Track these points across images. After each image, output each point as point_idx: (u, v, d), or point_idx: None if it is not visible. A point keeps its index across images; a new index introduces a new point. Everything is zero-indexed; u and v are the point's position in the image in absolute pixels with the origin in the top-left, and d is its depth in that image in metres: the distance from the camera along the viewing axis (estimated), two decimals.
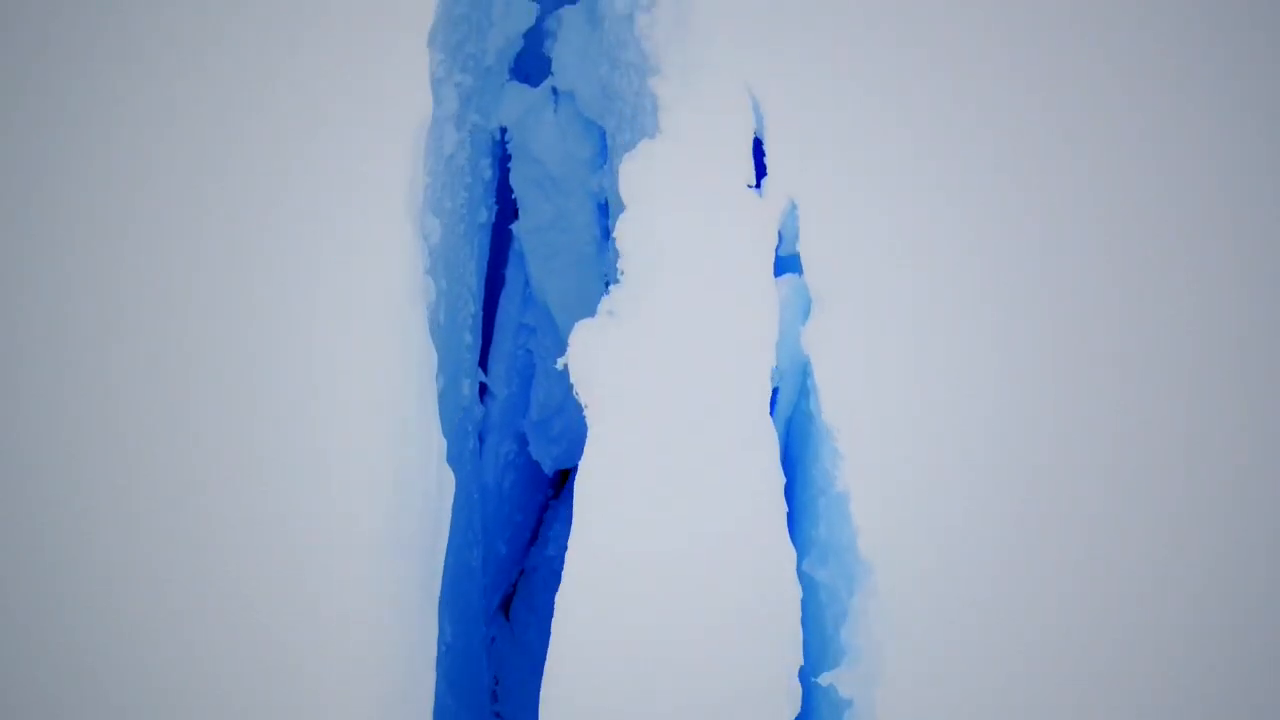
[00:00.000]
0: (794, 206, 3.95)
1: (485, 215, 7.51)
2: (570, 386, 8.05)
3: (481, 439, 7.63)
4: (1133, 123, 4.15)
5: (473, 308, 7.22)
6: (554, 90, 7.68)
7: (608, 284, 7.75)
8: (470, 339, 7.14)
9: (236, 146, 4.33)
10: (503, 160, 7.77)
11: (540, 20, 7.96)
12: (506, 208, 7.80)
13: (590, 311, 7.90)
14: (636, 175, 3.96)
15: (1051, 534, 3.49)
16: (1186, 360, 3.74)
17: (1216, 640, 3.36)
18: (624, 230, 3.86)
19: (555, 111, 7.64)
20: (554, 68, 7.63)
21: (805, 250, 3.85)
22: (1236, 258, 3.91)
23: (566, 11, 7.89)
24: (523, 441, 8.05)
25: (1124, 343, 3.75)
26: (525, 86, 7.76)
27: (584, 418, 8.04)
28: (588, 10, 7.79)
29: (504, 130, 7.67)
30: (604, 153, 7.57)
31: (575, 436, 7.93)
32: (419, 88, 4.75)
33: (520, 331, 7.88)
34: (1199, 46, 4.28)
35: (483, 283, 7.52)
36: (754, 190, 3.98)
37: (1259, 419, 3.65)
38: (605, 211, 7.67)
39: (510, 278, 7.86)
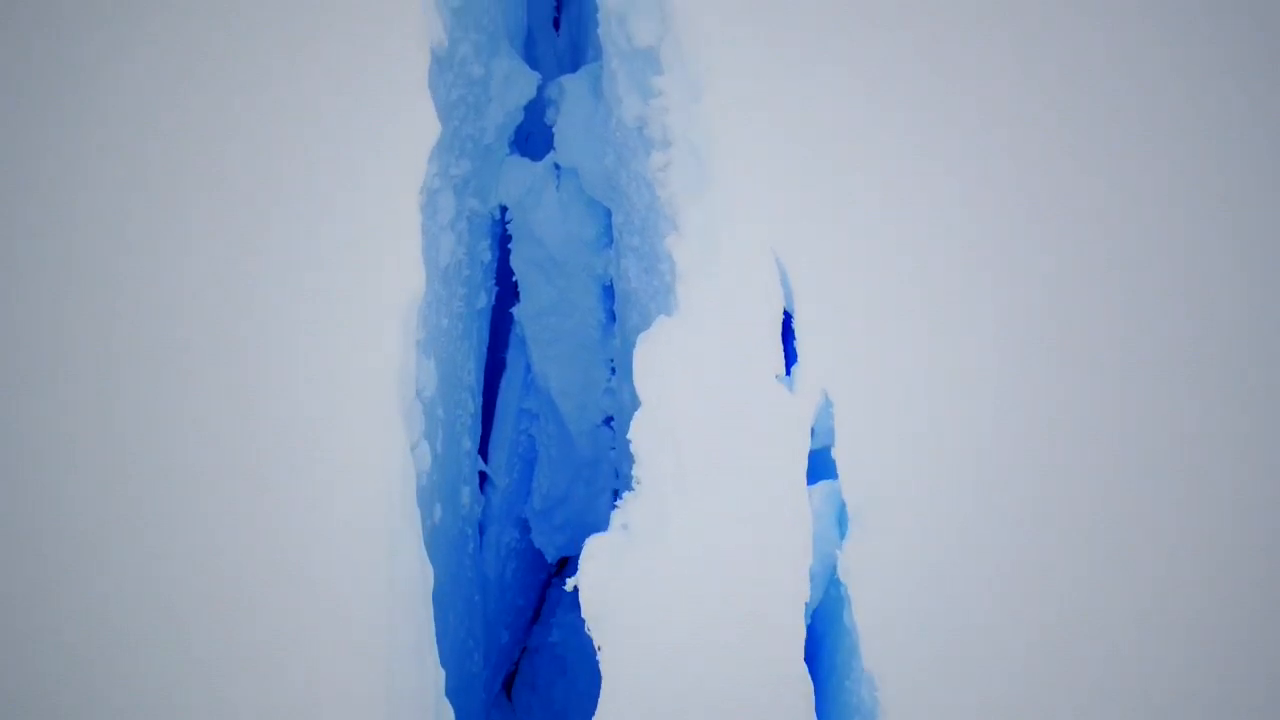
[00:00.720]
0: (828, 403, 3.61)
1: (484, 300, 7.16)
2: (574, 475, 7.76)
3: (481, 530, 7.31)
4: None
5: (471, 407, 6.88)
6: (556, 166, 7.30)
7: (613, 371, 7.41)
8: (469, 444, 6.80)
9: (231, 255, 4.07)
10: (502, 240, 7.40)
11: (541, 87, 7.57)
12: (507, 288, 7.45)
13: (594, 399, 7.60)
14: (654, 365, 3.61)
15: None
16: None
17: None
18: (640, 432, 3.52)
19: (558, 189, 7.27)
20: (556, 142, 7.25)
21: (841, 451, 3.52)
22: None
23: (568, 81, 7.50)
24: (524, 528, 7.72)
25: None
26: (526, 161, 7.39)
27: (588, 506, 7.76)
28: (591, 80, 7.41)
29: (504, 209, 7.31)
30: (609, 233, 7.21)
31: (580, 525, 7.61)
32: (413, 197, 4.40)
33: (521, 417, 7.55)
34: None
35: (482, 371, 7.17)
36: (784, 382, 3.63)
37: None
38: (610, 294, 7.31)
39: (511, 362, 7.52)
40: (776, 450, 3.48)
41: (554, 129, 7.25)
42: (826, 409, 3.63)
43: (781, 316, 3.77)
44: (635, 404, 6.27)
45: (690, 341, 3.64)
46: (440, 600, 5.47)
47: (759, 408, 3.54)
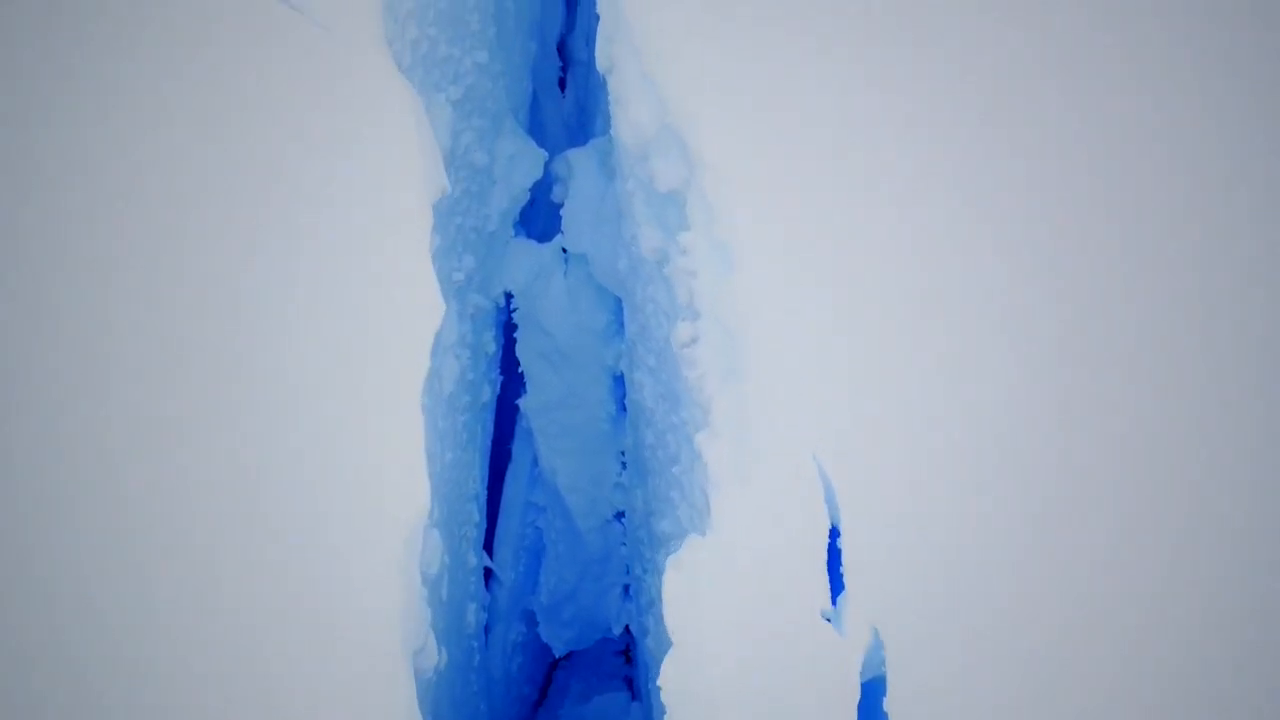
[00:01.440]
0: (879, 643, 3.29)
1: (489, 393, 6.82)
2: (582, 571, 7.43)
3: (487, 629, 7.00)
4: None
5: (477, 516, 6.55)
6: (564, 250, 6.94)
7: (624, 465, 7.08)
8: (475, 560, 6.49)
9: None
10: (507, 327, 7.05)
11: (547, 162, 7.20)
12: (511, 373, 7.10)
13: (604, 494, 7.26)
14: (683, 597, 3.27)
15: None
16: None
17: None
18: (669, 677, 3.19)
19: (565, 275, 6.91)
20: (564, 225, 6.89)
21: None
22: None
23: (576, 157, 7.13)
24: (531, 621, 7.41)
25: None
26: (532, 245, 7.03)
27: (598, 602, 7.45)
28: (599, 156, 7.04)
29: (509, 296, 6.95)
30: (619, 321, 6.86)
31: (588, 621, 7.30)
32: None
33: (528, 510, 7.22)
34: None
35: (486, 467, 6.84)
36: (829, 618, 3.30)
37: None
38: (620, 383, 6.97)
39: (517, 455, 7.18)
40: (822, 701, 3.16)
41: (562, 212, 6.87)
42: (877, 648, 3.32)
43: (827, 539, 3.45)
44: (650, 539, 5.96)
45: (725, 570, 3.31)
46: (446, 691, 5.21)
47: (802, 651, 3.22)
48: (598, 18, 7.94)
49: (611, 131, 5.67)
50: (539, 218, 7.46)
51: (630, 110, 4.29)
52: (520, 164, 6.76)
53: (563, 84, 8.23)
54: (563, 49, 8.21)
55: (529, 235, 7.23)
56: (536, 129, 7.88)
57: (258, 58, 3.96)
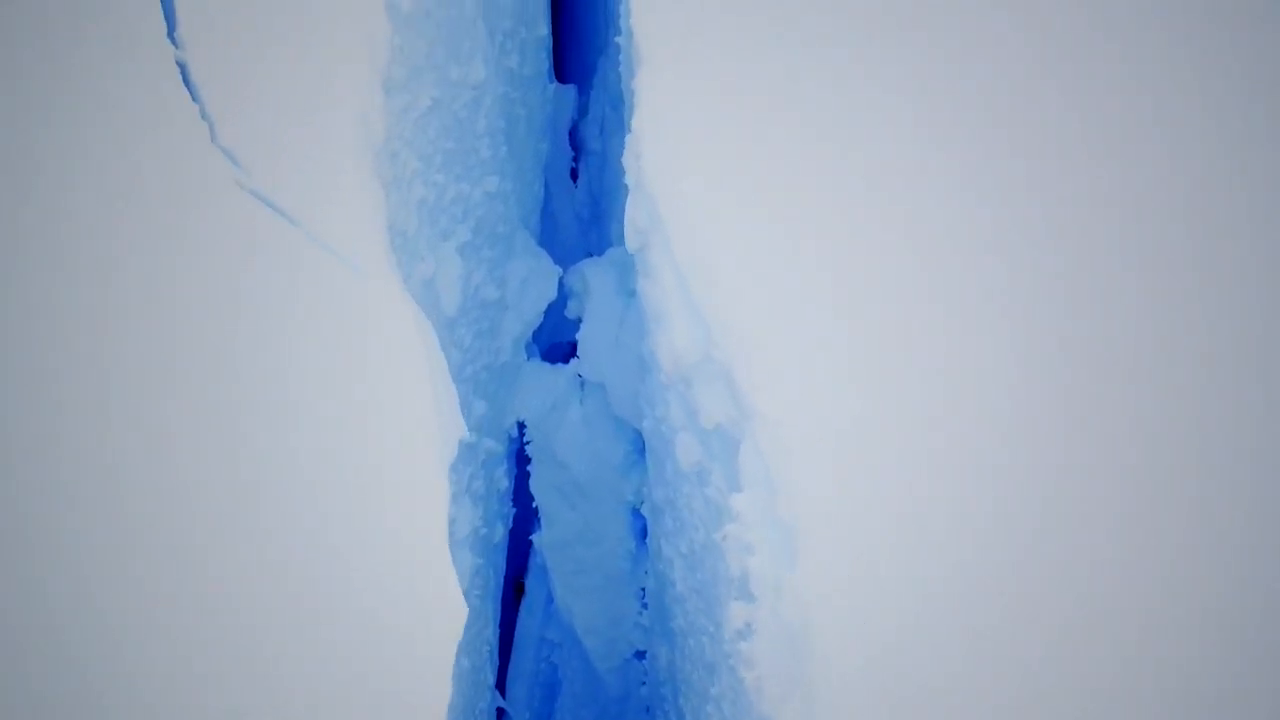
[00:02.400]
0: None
1: (501, 531, 6.38)
2: (600, 712, 7.03)
3: None
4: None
5: (488, 655, 6.13)
6: (579, 377, 6.49)
7: (644, 605, 6.66)
8: (487, 699, 6.07)
9: None
10: (520, 456, 6.61)
11: (560, 262, 6.75)
12: (525, 508, 6.67)
13: (624, 633, 6.85)
14: None
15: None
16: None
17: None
18: None
19: (582, 404, 6.46)
20: (580, 352, 6.45)
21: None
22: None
23: (591, 271, 6.67)
24: None
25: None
26: (545, 370, 6.58)
27: None
28: (617, 271, 6.58)
29: (522, 425, 6.51)
30: (640, 454, 6.42)
31: None
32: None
33: (543, 646, 6.80)
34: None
35: (499, 609, 6.42)
36: None
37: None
38: (639, 516, 6.53)
39: (531, 589, 6.75)
40: None
41: (578, 336, 6.42)
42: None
43: None
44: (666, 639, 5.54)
45: None
46: None
47: None
48: (609, 105, 7.53)
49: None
50: (548, 323, 7.02)
51: (668, 330, 3.83)
52: (533, 286, 6.31)
53: (574, 173, 7.76)
54: (574, 135, 7.74)
55: (536, 340, 6.80)
56: (548, 224, 7.42)
57: (255, 287, 3.53)
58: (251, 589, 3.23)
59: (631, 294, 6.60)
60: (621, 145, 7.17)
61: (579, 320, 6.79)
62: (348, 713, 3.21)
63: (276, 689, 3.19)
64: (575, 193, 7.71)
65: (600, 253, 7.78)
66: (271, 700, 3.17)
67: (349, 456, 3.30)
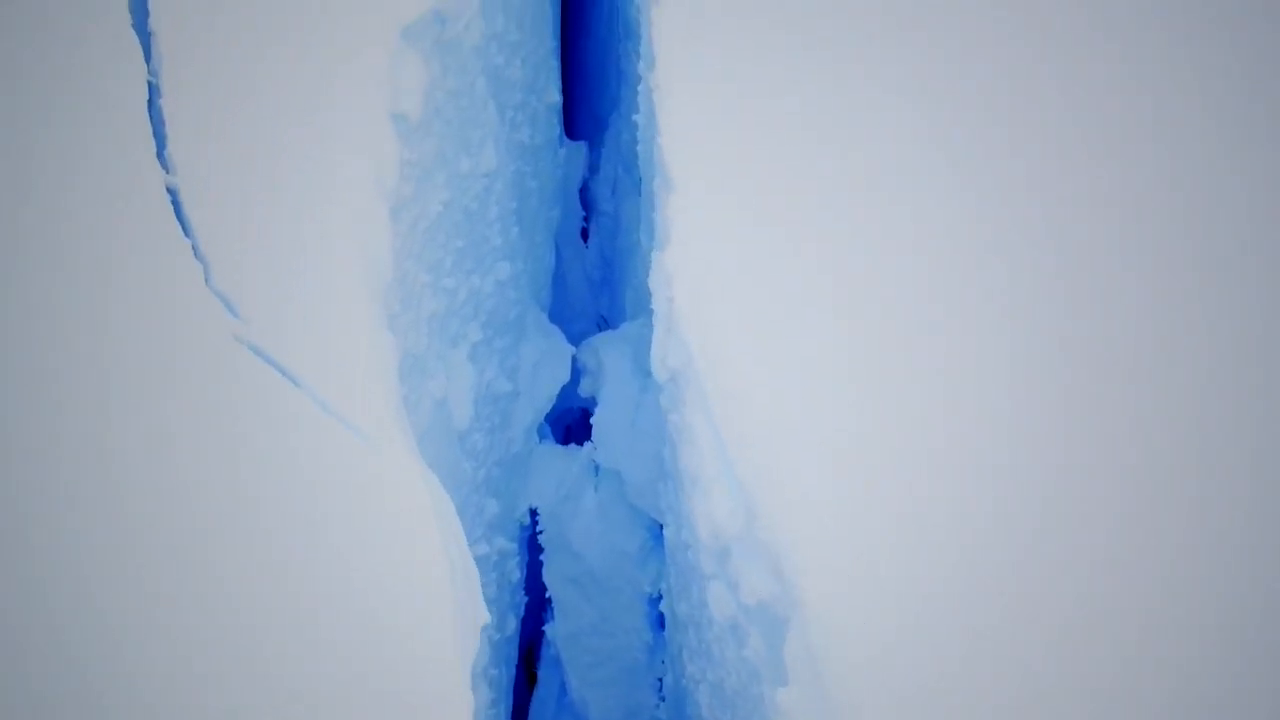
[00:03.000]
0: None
1: (513, 624, 6.11)
2: None
3: None
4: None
5: None
6: (595, 465, 6.21)
7: (662, 698, 6.40)
8: None
9: None
10: (532, 544, 6.33)
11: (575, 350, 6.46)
12: (537, 597, 6.39)
13: None
14: None
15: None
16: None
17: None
18: None
19: (596, 490, 6.18)
20: (595, 436, 6.16)
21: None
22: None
23: (605, 347, 6.38)
24: None
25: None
26: (558, 452, 6.30)
27: None
28: (633, 347, 6.28)
29: (534, 512, 6.23)
30: (657, 541, 6.14)
31: None
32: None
33: None
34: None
35: (510, 700, 6.15)
36: None
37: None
38: (656, 604, 6.26)
39: (544, 680, 6.48)
40: None
41: (592, 421, 6.13)
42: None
43: None
44: None
45: None
46: None
47: None
48: (622, 167, 7.21)
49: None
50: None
51: (706, 498, 3.53)
52: (545, 370, 6.03)
53: (585, 232, 7.45)
54: (585, 193, 7.43)
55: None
56: (558, 285, 7.12)
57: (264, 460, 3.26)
58: None
59: (647, 374, 6.32)
60: (635, 209, 6.91)
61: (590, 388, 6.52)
62: None
63: None
64: (586, 254, 7.41)
65: (612, 316, 7.50)
66: None
67: (360, 665, 3.01)
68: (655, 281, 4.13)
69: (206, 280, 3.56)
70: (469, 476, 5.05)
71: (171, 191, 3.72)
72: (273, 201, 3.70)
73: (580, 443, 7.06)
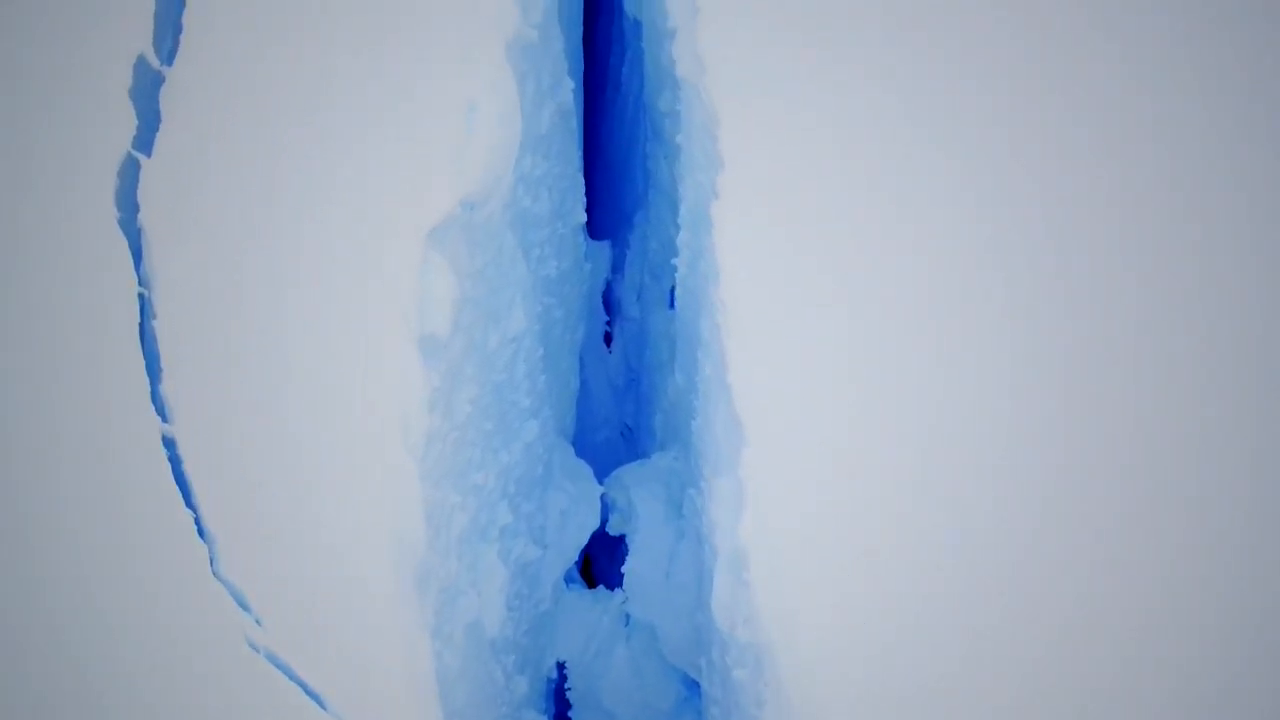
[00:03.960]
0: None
1: None
2: None
3: None
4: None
5: None
6: (626, 614, 5.82)
7: None
8: None
9: None
10: (558, 694, 5.95)
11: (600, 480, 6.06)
12: None
13: None
14: None
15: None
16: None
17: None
18: None
19: (628, 643, 5.80)
20: (627, 586, 5.76)
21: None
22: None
23: (635, 486, 5.97)
24: None
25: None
26: (585, 599, 5.92)
27: None
28: (665, 484, 5.88)
29: (561, 665, 5.84)
30: (693, 692, 5.77)
31: None
32: None
33: None
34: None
35: None
36: None
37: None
38: None
39: None
40: None
41: (624, 570, 5.73)
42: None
43: None
44: None
45: None
46: None
47: None
48: (648, 273, 6.77)
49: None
50: None
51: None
52: (573, 519, 5.64)
53: (608, 338, 7.02)
54: (608, 293, 6.98)
55: None
56: (580, 394, 6.68)
57: None
58: None
59: (680, 515, 5.93)
60: (665, 322, 6.48)
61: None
62: None
63: None
64: (609, 359, 6.97)
65: (637, 427, 7.09)
66: None
67: None
68: (709, 528, 3.77)
69: (212, 567, 3.15)
70: (499, 686, 4.66)
71: (169, 444, 3.32)
72: (293, 466, 3.29)
73: (599, 560, 6.68)
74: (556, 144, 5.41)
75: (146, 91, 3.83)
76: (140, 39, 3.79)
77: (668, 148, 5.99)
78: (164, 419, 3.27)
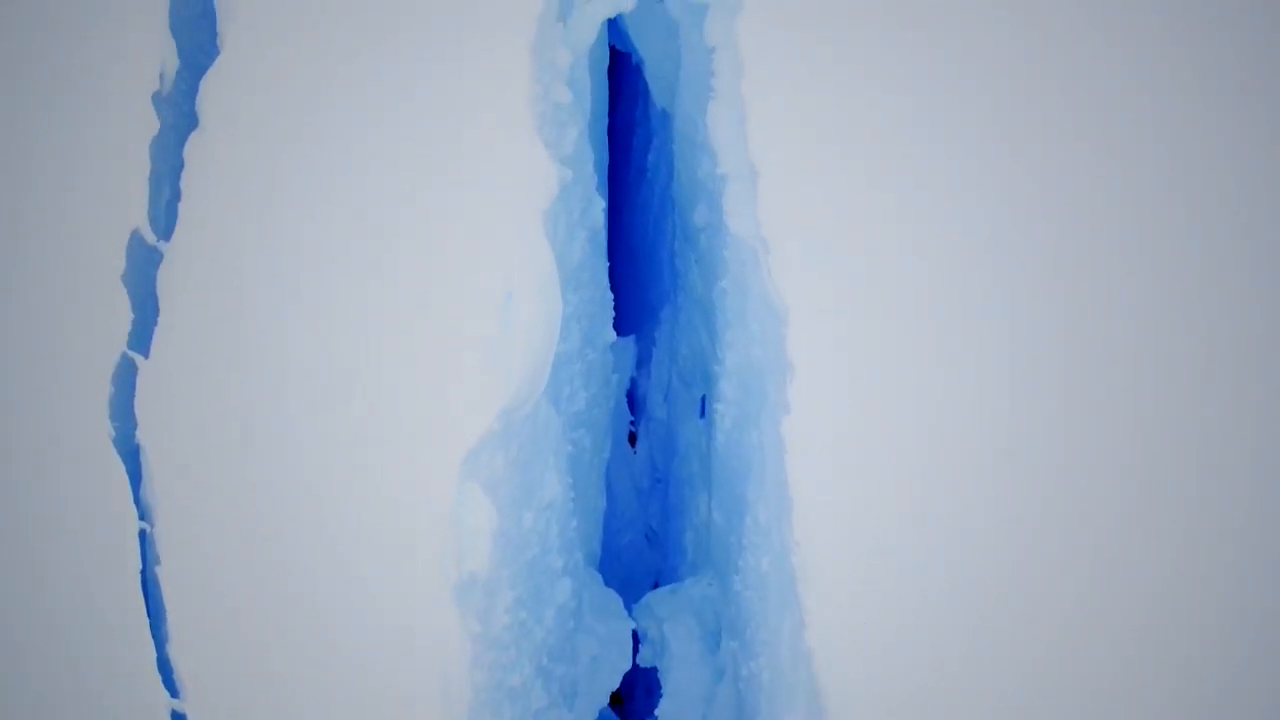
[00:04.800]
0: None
1: None
2: None
3: None
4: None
5: None
6: None
7: None
8: None
9: None
10: None
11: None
12: None
13: None
14: None
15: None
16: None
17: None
18: None
19: None
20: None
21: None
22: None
23: (667, 614, 5.65)
24: None
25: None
26: None
27: None
28: (697, 613, 5.57)
29: None
30: None
31: None
32: None
33: None
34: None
35: None
36: None
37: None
38: None
39: None
40: None
41: (658, 714, 5.40)
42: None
43: None
44: None
45: None
46: None
47: None
48: (678, 376, 6.40)
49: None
50: None
51: None
52: (604, 664, 5.29)
53: (633, 437, 6.64)
54: (632, 391, 6.60)
55: None
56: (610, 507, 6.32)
57: None
58: None
59: (716, 649, 5.60)
60: (695, 432, 6.13)
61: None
62: None
63: None
64: (634, 460, 6.60)
65: (663, 532, 6.74)
66: None
67: None
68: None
69: None
70: None
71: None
72: None
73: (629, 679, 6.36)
74: (588, 270, 5.03)
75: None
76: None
77: (699, 253, 5.62)
78: None
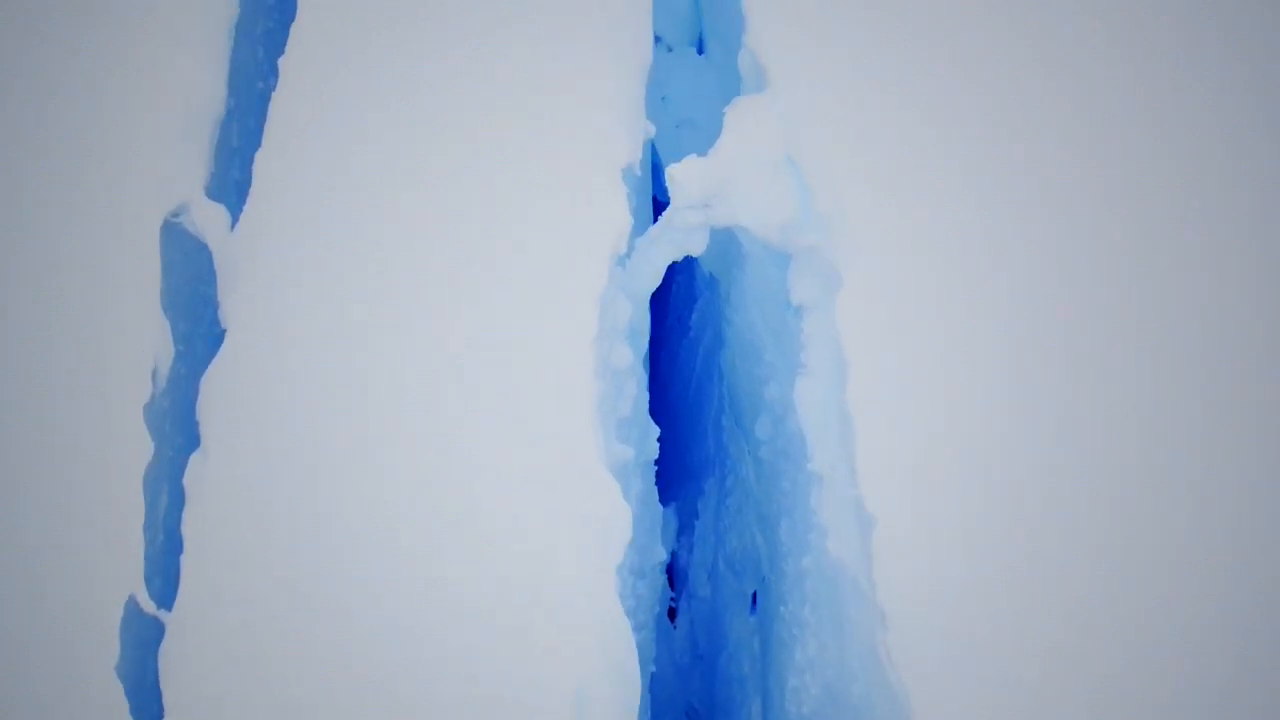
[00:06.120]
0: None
1: None
2: None
3: None
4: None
5: None
6: None
7: None
8: None
9: None
10: None
11: None
12: None
13: None
14: None
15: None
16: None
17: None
18: None
19: None
20: None
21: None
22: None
23: None
24: None
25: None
26: None
27: None
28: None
29: None
30: None
31: None
32: None
33: None
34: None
35: None
36: None
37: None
38: None
39: None
40: None
41: None
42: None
43: None
44: None
45: None
46: None
47: None
48: (723, 558, 5.95)
49: None
50: None
51: None
52: None
53: (672, 612, 6.17)
54: (671, 563, 6.13)
55: None
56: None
57: None
58: None
59: None
60: (745, 625, 5.67)
61: None
62: None
63: None
64: (674, 636, 6.14)
65: (706, 710, 6.29)
66: None
67: None
68: None
69: None
70: None
71: None
72: None
73: None
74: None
75: None
76: None
77: (760, 463, 5.13)
78: None
